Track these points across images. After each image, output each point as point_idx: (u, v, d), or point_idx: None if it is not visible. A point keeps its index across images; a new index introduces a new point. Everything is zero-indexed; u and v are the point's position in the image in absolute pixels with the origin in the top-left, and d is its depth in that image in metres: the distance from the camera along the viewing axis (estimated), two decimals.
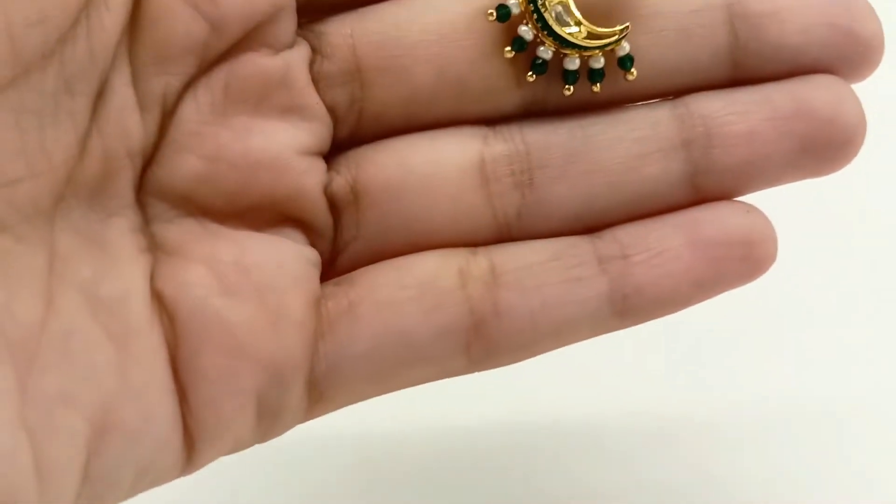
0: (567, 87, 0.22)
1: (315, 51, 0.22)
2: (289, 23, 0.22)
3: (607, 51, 0.22)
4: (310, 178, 0.22)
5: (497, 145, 0.22)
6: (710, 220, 0.22)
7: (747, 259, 0.22)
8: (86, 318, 0.19)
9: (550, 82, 0.22)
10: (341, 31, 0.22)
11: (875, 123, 0.23)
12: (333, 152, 0.23)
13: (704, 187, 0.22)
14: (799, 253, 0.24)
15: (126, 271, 0.20)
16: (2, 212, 0.18)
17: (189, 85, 0.21)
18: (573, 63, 0.22)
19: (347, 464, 0.31)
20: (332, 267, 0.23)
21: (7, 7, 0.18)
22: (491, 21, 0.22)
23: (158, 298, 0.20)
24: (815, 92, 0.22)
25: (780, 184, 0.23)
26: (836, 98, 0.22)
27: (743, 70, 0.22)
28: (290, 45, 0.22)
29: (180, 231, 0.21)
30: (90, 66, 0.19)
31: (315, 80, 0.22)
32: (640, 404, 0.33)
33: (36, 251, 0.19)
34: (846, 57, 0.22)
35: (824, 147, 0.22)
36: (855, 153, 0.22)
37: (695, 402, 0.33)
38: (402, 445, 0.31)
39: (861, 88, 0.23)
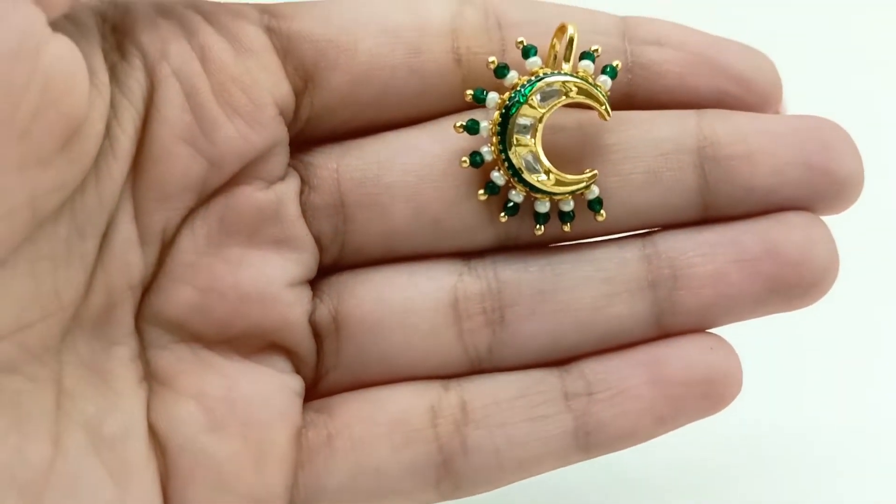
0: (538, 227, 0.23)
1: (304, 181, 0.23)
2: (282, 157, 0.23)
3: (577, 194, 0.23)
4: (296, 309, 0.23)
5: (471, 282, 0.23)
6: (673, 357, 0.23)
7: (708, 396, 0.23)
8: (90, 458, 0.21)
9: (523, 219, 0.23)
10: (328, 164, 0.23)
11: None
12: (318, 277, 0.24)
13: (670, 326, 0.23)
14: None
15: (126, 406, 0.22)
16: (15, 355, 0.20)
17: (187, 218, 0.22)
18: (543, 206, 0.23)
19: None
20: (315, 389, 0.24)
21: (34, 180, 0.19)
22: (465, 167, 0.23)
23: (153, 432, 0.22)
24: (785, 232, 0.23)
25: (748, 319, 0.23)
26: (806, 239, 0.23)
27: (713, 210, 0.23)
28: (283, 178, 0.23)
29: (174, 359, 0.23)
30: (99, 211, 0.21)
31: (303, 210, 0.23)
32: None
33: (45, 389, 0.21)
34: (822, 196, 0.23)
35: (792, 288, 0.23)
36: (825, 292, 0.23)
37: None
38: None
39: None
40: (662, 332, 0.23)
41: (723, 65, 0.23)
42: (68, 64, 0.19)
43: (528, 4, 0.24)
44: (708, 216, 0.23)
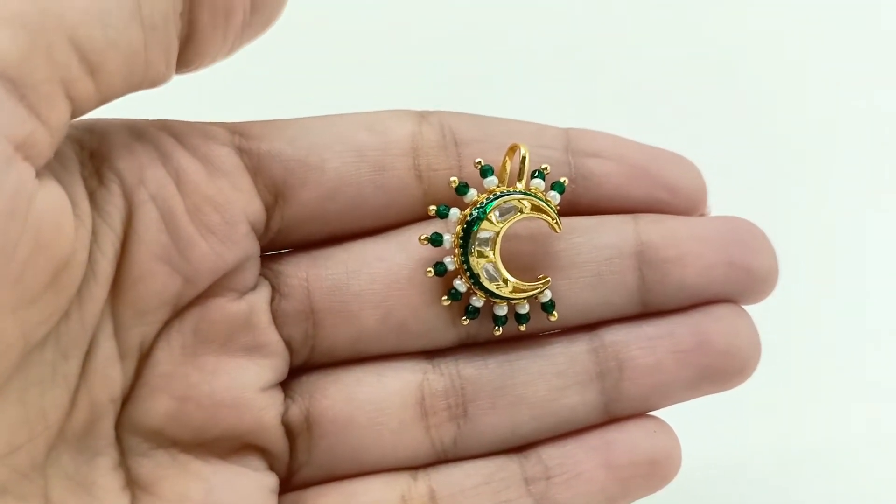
0: (496, 328, 0.25)
1: (275, 289, 0.25)
2: (253, 269, 0.24)
3: (532, 298, 0.25)
4: (268, 412, 0.24)
5: (435, 380, 0.25)
6: (621, 441, 0.25)
7: (651, 476, 0.25)
8: None
9: (482, 321, 0.25)
10: (298, 273, 0.25)
11: None
12: (289, 377, 0.25)
13: (616, 412, 0.26)
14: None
15: None
16: (5, 476, 0.21)
17: (163, 330, 0.23)
18: (502, 310, 0.25)
19: None
20: (289, 482, 0.25)
21: (25, 318, 0.20)
22: (430, 276, 0.25)
23: None
24: (713, 324, 0.25)
25: (682, 402, 0.26)
26: (732, 329, 0.25)
27: (651, 306, 0.26)
28: (254, 288, 0.24)
29: (153, 465, 0.24)
30: (81, 333, 0.22)
31: (274, 316, 0.25)
32: None
33: None
34: (744, 289, 0.26)
35: (720, 374, 0.25)
36: (748, 376, 0.26)
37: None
38: None
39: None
40: (610, 416, 0.26)
41: (655, 174, 0.26)
42: (56, 211, 0.20)
43: (480, 121, 0.26)
44: (646, 311, 0.26)
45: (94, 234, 0.22)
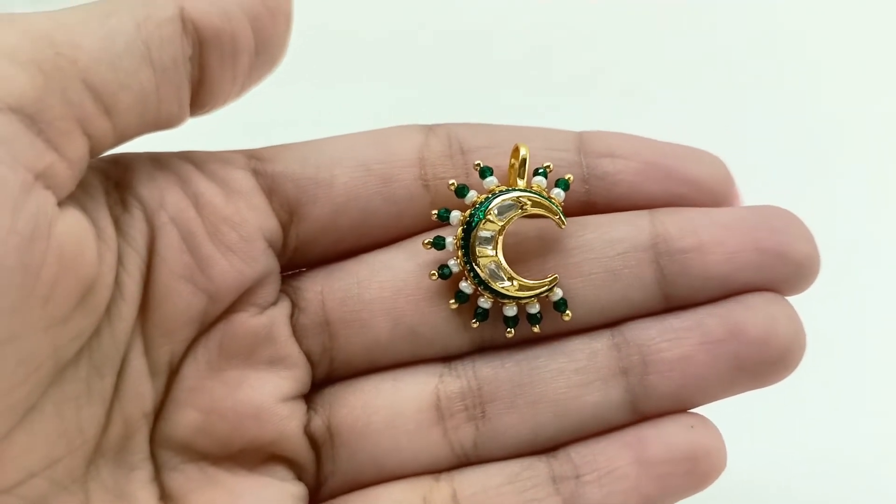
0: (508, 330, 0.25)
1: (294, 304, 0.26)
2: (274, 285, 0.25)
3: (542, 297, 0.24)
4: (291, 422, 0.25)
5: (451, 382, 0.25)
6: (655, 437, 0.24)
7: (692, 473, 0.24)
8: None
9: (496, 323, 0.25)
10: (313, 287, 0.26)
11: None
12: (313, 390, 0.26)
13: (647, 410, 0.24)
14: None
15: None
16: (46, 489, 0.22)
17: (190, 347, 0.25)
18: (511, 311, 0.25)
19: None
20: (319, 493, 0.26)
21: (56, 335, 0.21)
22: (434, 280, 0.25)
23: None
24: (746, 312, 0.24)
25: (722, 398, 0.25)
26: (769, 318, 0.24)
27: (675, 300, 0.25)
28: (275, 303, 0.25)
29: (184, 478, 0.24)
30: (114, 351, 0.23)
31: (294, 331, 0.25)
32: None
33: None
34: (779, 277, 0.24)
35: (759, 366, 0.24)
36: (794, 367, 0.24)
37: None
38: None
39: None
40: (641, 416, 0.24)
41: (673, 169, 0.25)
42: (77, 234, 0.22)
43: (488, 130, 0.26)
44: (671, 306, 0.25)
45: (120, 256, 0.23)
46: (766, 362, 0.24)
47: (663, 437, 0.24)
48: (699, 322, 0.24)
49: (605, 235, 0.25)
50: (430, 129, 0.26)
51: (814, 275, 0.24)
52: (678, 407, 0.24)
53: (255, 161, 0.25)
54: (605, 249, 0.25)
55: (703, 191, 0.25)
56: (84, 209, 0.22)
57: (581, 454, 0.24)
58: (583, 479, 0.24)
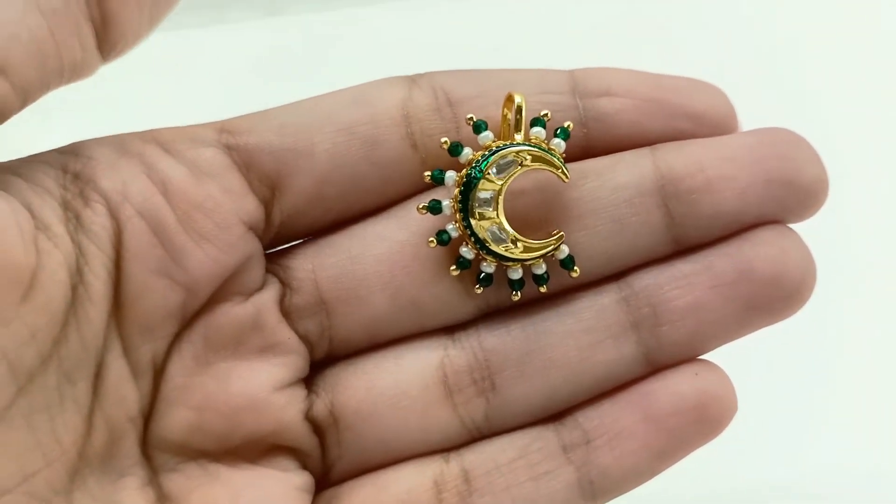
0: (514, 293, 0.23)
1: (285, 285, 0.24)
2: (257, 269, 0.24)
3: (548, 256, 0.23)
4: (288, 411, 0.23)
5: (456, 356, 0.24)
6: (660, 390, 0.23)
7: (702, 421, 0.23)
8: None
9: (501, 286, 0.24)
10: (304, 265, 0.24)
11: None
12: (314, 372, 0.24)
13: (660, 361, 0.23)
14: None
15: None
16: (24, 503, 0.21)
17: (173, 343, 0.23)
18: (516, 273, 0.23)
19: None
20: (326, 479, 0.24)
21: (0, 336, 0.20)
22: (433, 247, 0.23)
23: None
24: (755, 249, 0.23)
25: (735, 339, 0.24)
26: (778, 253, 0.23)
27: (685, 242, 0.23)
28: (260, 287, 0.24)
29: (184, 478, 0.23)
30: (84, 355, 0.22)
31: (287, 313, 0.24)
32: None
33: None
34: (788, 207, 0.23)
35: (770, 303, 0.23)
36: (805, 301, 0.23)
37: None
38: None
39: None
40: (653, 367, 0.23)
41: (673, 104, 0.24)
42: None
43: (475, 76, 0.24)
44: (680, 248, 0.23)
45: (84, 255, 0.21)
46: (778, 298, 0.23)
47: (669, 388, 0.23)
48: (709, 265, 0.23)
49: (609, 182, 0.23)
50: (412, 81, 0.24)
51: (822, 200, 0.23)
52: (691, 354, 0.23)
53: (226, 135, 0.23)
54: (609, 198, 0.23)
55: (706, 124, 0.24)
56: (28, 206, 0.21)
57: (589, 418, 0.23)
58: (593, 444, 0.23)
